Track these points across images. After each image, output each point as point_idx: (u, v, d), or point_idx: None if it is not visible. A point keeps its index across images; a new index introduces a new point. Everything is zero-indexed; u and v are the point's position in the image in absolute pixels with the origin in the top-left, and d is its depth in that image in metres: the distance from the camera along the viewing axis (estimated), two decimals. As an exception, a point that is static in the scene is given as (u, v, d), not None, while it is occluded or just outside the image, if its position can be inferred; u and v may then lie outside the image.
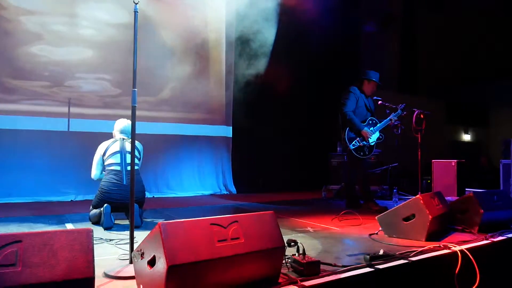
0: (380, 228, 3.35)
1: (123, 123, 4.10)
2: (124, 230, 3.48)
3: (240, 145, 7.68)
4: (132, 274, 2.00)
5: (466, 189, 6.24)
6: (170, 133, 7.07)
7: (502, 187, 6.45)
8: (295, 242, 2.30)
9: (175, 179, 7.03)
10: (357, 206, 5.02)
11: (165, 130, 7.01)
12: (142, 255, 1.83)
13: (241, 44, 7.48)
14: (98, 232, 3.40)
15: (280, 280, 2.03)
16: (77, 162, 5.88)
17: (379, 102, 5.33)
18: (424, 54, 11.47)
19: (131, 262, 2.20)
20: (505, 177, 6.47)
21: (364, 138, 5.00)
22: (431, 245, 2.77)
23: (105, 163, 3.90)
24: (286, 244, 2.09)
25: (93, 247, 1.65)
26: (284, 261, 2.15)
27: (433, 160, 6.68)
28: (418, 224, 3.08)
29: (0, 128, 5.72)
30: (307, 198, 6.65)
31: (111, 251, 2.74)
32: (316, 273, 2.13)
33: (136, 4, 2.36)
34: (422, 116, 5.18)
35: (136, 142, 3.68)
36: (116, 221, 3.81)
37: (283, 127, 7.93)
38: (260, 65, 7.29)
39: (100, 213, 3.69)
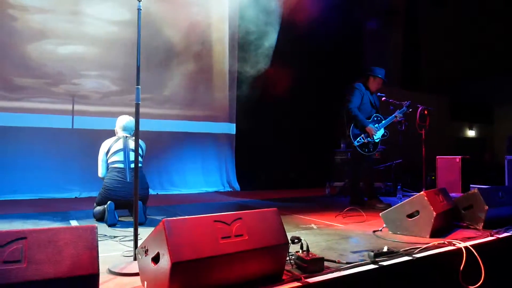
0: (384, 225, 3.34)
1: (125, 120, 4.10)
2: (128, 227, 3.49)
3: (244, 142, 7.67)
4: (136, 270, 2.01)
5: (471, 185, 6.21)
6: (174, 130, 7.07)
7: (507, 183, 6.42)
8: (299, 239, 2.30)
9: (179, 176, 7.03)
10: (361, 203, 5.01)
11: (168, 127, 7.01)
12: (146, 252, 1.83)
13: (244, 42, 7.47)
14: (102, 229, 3.41)
15: (284, 277, 2.03)
16: (81, 159, 5.91)
17: (383, 98, 5.30)
18: (428, 49, 11.41)
19: (135, 259, 2.20)
20: (510, 173, 6.44)
21: (369, 135, 4.98)
22: (436, 241, 2.76)
23: (109, 161, 3.91)
24: (289, 241, 2.09)
25: (97, 243, 1.66)
26: (288, 258, 2.15)
27: (437, 157, 6.65)
28: (422, 221, 3.07)
29: (5, 126, 5.75)
30: (311, 195, 6.65)
31: (115, 248, 2.75)
32: (320, 270, 2.13)
33: (140, 1, 2.35)
34: (426, 112, 5.16)
35: (139, 140, 3.68)
36: (120, 218, 3.83)
37: (286, 124, 7.91)
38: (263, 62, 7.28)
39: (104, 210, 3.70)
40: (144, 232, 2.74)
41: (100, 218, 3.77)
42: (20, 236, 1.54)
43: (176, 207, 5.12)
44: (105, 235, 3.14)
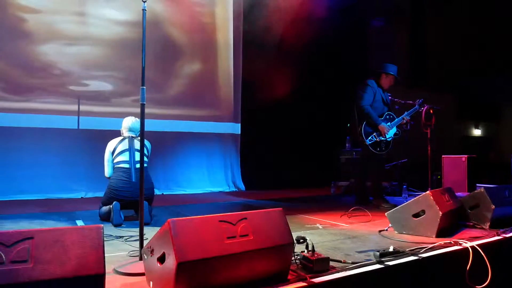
0: (390, 225, 3.33)
1: (131, 121, 4.12)
2: (134, 227, 3.50)
3: (249, 142, 7.68)
4: (142, 270, 2.02)
5: (477, 185, 6.17)
6: (179, 130, 7.09)
7: (513, 183, 6.38)
8: (304, 239, 2.30)
9: (184, 176, 7.05)
10: (366, 202, 4.98)
11: (173, 128, 7.03)
12: (152, 252, 1.84)
13: (249, 42, 7.47)
14: (108, 229, 3.43)
15: (289, 277, 2.03)
16: (87, 160, 5.94)
17: (389, 97, 5.27)
18: (433, 47, 11.34)
19: (141, 259, 2.21)
20: (516, 172, 6.39)
21: (382, 133, 4.88)
22: (442, 241, 2.74)
23: (114, 161, 3.93)
24: (295, 241, 2.09)
25: (103, 243, 1.66)
26: (293, 258, 2.15)
27: (443, 156, 6.61)
28: (428, 220, 3.05)
29: (11, 126, 5.78)
30: (316, 194, 6.64)
31: (121, 248, 2.76)
32: (326, 270, 2.13)
33: (145, 2, 2.36)
34: (431, 111, 5.13)
35: (145, 140, 3.70)
36: (126, 218, 3.84)
37: (291, 124, 7.90)
38: (269, 62, 7.28)
39: (109, 210, 3.72)
40: (150, 232, 2.75)
41: (106, 218, 3.78)
42: (27, 236, 1.55)
43: (181, 207, 5.14)
44: (111, 235, 3.15)
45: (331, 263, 2.22)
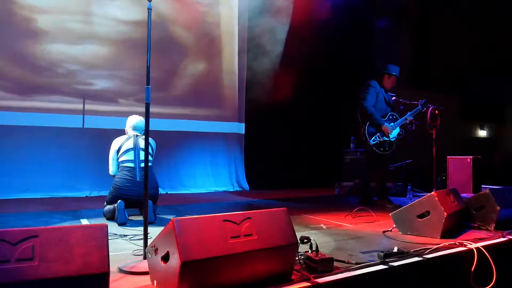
0: (394, 225, 3.32)
1: (136, 120, 4.13)
2: (138, 226, 3.51)
3: (253, 142, 7.67)
4: (146, 269, 2.02)
5: (482, 186, 6.14)
6: (183, 130, 7.10)
7: (519, 184, 6.33)
8: (308, 239, 2.29)
9: (188, 175, 7.06)
10: (370, 203, 4.97)
11: (178, 127, 7.04)
12: (156, 251, 1.84)
13: (254, 41, 7.47)
14: (113, 227, 3.44)
15: (293, 277, 2.03)
16: (91, 159, 5.96)
17: (393, 98, 5.26)
18: (438, 48, 11.29)
19: (145, 258, 2.22)
20: (522, 173, 6.35)
21: (385, 134, 4.89)
22: (446, 242, 2.73)
23: (119, 160, 3.94)
24: (299, 241, 2.08)
25: (108, 242, 1.67)
26: (297, 258, 2.15)
27: (448, 157, 6.58)
28: (433, 221, 3.04)
29: (16, 125, 5.81)
30: (320, 195, 6.63)
31: (125, 247, 2.77)
32: (329, 270, 2.12)
33: (150, 1, 2.37)
34: (436, 112, 5.11)
35: (150, 139, 3.70)
36: (130, 217, 3.85)
37: (295, 124, 7.90)
38: (273, 62, 7.27)
39: (114, 209, 3.73)
40: (154, 231, 2.74)
41: (111, 217, 3.80)
42: (32, 235, 1.55)
43: (186, 207, 5.14)
44: (115, 234, 3.16)
45: (335, 264, 2.22)
